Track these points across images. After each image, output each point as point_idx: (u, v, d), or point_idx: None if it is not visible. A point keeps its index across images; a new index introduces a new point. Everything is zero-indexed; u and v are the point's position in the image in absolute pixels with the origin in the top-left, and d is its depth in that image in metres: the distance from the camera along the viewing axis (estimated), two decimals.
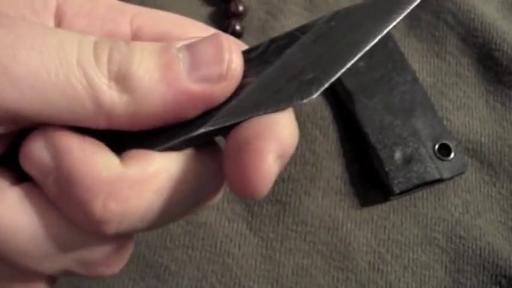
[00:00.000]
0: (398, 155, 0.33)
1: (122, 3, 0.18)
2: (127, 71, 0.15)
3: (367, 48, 0.17)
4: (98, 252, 0.17)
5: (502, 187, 0.35)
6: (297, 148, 0.35)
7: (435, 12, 0.40)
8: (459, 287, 0.32)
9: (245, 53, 0.17)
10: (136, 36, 0.18)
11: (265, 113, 0.16)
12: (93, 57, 0.15)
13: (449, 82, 0.38)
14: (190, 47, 0.16)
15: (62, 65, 0.15)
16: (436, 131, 0.35)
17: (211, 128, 0.16)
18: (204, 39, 0.16)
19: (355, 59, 0.17)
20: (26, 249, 0.16)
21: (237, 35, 0.37)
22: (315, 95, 0.17)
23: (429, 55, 0.39)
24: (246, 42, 0.40)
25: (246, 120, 0.16)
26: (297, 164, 0.34)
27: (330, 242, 0.32)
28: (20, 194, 0.16)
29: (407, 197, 0.34)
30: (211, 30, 0.18)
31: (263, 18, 0.39)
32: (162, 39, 0.17)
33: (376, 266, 0.32)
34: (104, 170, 0.15)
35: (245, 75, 0.17)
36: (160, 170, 0.16)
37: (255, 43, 0.40)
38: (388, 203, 0.34)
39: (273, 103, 0.17)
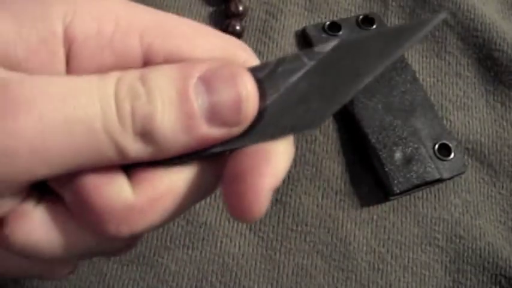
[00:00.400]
0: (398, 155, 0.33)
1: (127, 14, 0.18)
2: (151, 127, 0.16)
3: (369, 79, 0.17)
4: (116, 245, 0.20)
5: (502, 187, 0.35)
6: (297, 148, 0.35)
7: (435, 12, 0.40)
8: (459, 287, 0.32)
9: (252, 71, 0.17)
10: (147, 56, 0.17)
11: (271, 140, 0.17)
12: (117, 118, 0.16)
13: (449, 82, 0.38)
14: (209, 90, 0.17)
15: (88, 134, 0.16)
16: (436, 131, 0.35)
17: (220, 150, 0.17)
18: (222, 77, 0.17)
19: (357, 90, 0.17)
20: (54, 256, 0.18)
21: (237, 35, 0.37)
22: (318, 126, 0.17)
23: (429, 55, 0.39)
24: (246, 42, 0.40)
25: (256, 143, 0.17)
26: (297, 164, 0.34)
27: (330, 242, 0.33)
28: (44, 213, 0.18)
29: (407, 197, 0.34)
30: (222, 38, 0.19)
31: (263, 18, 0.39)
32: (174, 57, 0.17)
33: (376, 266, 0.32)
34: (116, 200, 0.17)
35: None
36: (167, 190, 0.17)
37: (255, 43, 0.40)
38: (388, 203, 0.34)
39: (278, 131, 0.17)
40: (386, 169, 0.33)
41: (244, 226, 0.33)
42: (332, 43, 0.17)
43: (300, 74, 0.17)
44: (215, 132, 0.17)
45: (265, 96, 0.17)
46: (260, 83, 0.17)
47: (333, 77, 0.17)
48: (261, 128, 0.17)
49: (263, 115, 0.17)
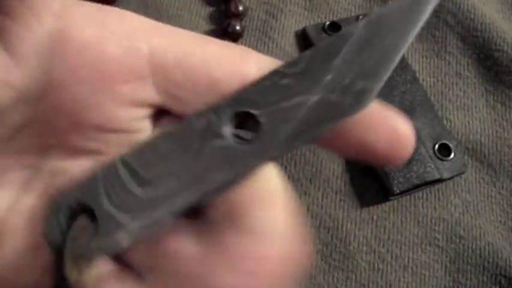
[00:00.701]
0: None
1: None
2: None
3: (405, 47, 0.18)
4: None
5: (502, 187, 0.35)
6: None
7: (435, 12, 0.40)
8: (459, 287, 0.32)
9: (287, 67, 0.17)
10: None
11: (330, 128, 0.17)
12: None
13: (449, 82, 0.38)
14: None
15: None
16: (436, 131, 0.35)
17: (278, 154, 0.17)
18: None
19: (396, 61, 0.18)
20: None
21: (237, 35, 0.37)
22: (367, 105, 0.17)
23: (429, 55, 0.39)
24: (246, 42, 0.40)
25: (313, 137, 0.17)
26: (297, 164, 0.34)
27: (330, 242, 0.32)
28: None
29: (407, 197, 0.34)
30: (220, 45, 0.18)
31: (263, 18, 0.39)
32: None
33: (376, 266, 0.32)
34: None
35: (297, 92, 0.17)
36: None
37: (255, 43, 0.40)
38: (388, 203, 0.34)
39: (335, 118, 0.17)
40: (386, 169, 0.33)
41: None
42: (360, 22, 0.18)
43: (338, 59, 0.17)
44: None
45: (307, 89, 0.17)
46: (296, 76, 0.17)
47: (370, 54, 0.17)
48: (316, 119, 0.17)
49: (314, 107, 0.17)
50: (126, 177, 0.17)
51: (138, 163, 0.17)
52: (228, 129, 0.17)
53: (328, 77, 0.17)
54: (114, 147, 0.17)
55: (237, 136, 0.17)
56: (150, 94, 0.17)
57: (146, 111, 0.18)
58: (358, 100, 0.17)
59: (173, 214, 0.16)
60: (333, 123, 0.17)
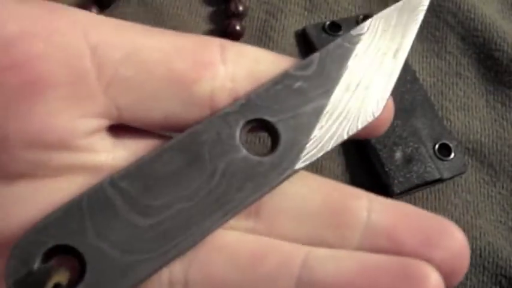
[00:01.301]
0: (398, 155, 0.33)
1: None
2: None
3: (408, 50, 0.18)
4: None
5: (502, 187, 0.35)
6: None
7: (435, 12, 0.40)
8: (459, 287, 0.32)
9: (298, 70, 0.17)
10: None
11: (352, 133, 0.17)
12: None
13: (449, 82, 0.38)
14: None
15: None
16: (436, 131, 0.35)
17: (302, 166, 0.16)
18: None
19: (401, 66, 0.18)
20: None
21: (237, 35, 0.37)
22: (384, 105, 0.17)
23: (429, 55, 0.39)
24: (246, 42, 0.40)
25: (336, 144, 0.17)
26: None
27: None
28: None
29: (408, 197, 0.34)
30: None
31: (263, 18, 0.39)
32: None
33: None
34: None
35: (312, 96, 0.16)
36: None
37: (255, 43, 0.40)
38: None
39: (354, 124, 0.17)
40: (387, 169, 0.33)
41: None
42: (366, 23, 0.18)
43: (350, 62, 0.17)
44: None
45: (323, 93, 0.16)
46: (310, 80, 0.16)
47: (378, 58, 0.17)
48: (336, 127, 0.16)
49: (331, 114, 0.16)
50: (121, 204, 0.14)
51: (134, 187, 0.14)
52: (241, 140, 0.15)
53: (340, 82, 0.16)
54: (61, 171, 0.14)
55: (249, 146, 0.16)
56: (97, 100, 0.14)
57: (96, 124, 0.15)
58: (372, 107, 0.17)
59: (190, 248, 0.14)
60: (354, 127, 0.17)
